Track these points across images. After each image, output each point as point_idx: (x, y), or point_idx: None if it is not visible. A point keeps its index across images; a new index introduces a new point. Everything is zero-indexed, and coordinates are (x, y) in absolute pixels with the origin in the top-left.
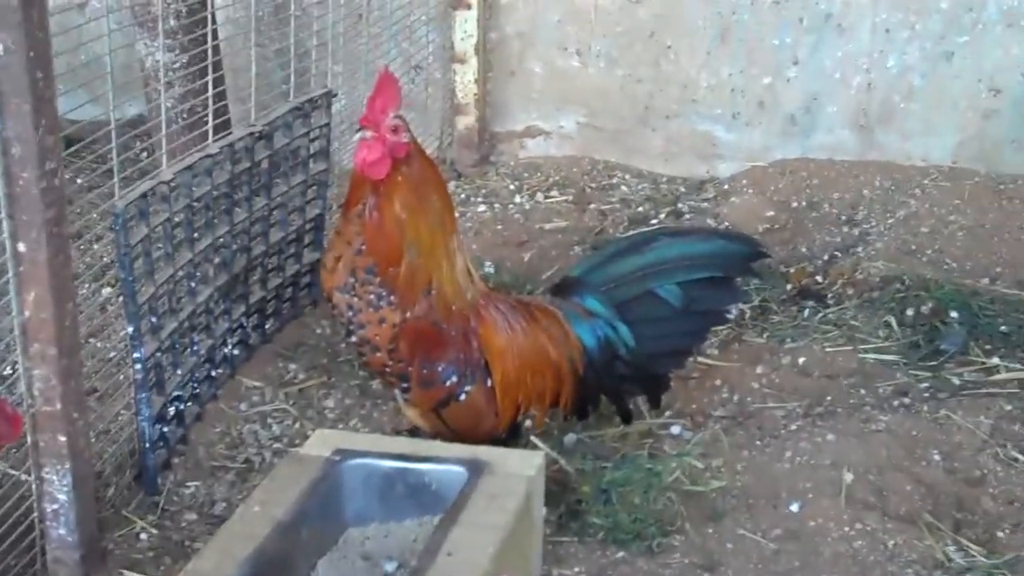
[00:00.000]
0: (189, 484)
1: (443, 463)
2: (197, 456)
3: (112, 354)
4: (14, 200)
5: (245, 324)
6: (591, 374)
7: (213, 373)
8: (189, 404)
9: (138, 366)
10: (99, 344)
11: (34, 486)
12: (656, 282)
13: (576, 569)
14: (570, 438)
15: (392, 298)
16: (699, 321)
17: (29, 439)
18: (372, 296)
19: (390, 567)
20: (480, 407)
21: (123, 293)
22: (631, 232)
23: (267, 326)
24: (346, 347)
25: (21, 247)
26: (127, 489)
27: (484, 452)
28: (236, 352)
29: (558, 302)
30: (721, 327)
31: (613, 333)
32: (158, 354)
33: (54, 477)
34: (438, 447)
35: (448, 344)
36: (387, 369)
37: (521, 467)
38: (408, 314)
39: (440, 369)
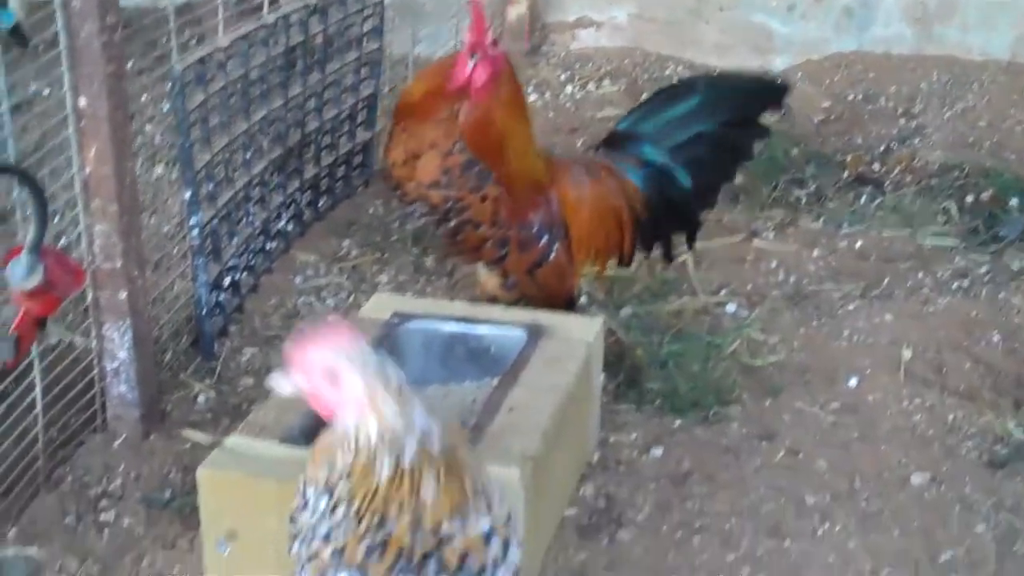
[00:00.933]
0: (245, 351)
1: (503, 326)
2: (253, 325)
3: (166, 228)
4: (75, 53)
5: (299, 199)
6: (647, 219)
7: (267, 246)
8: (244, 275)
9: (195, 231)
10: (153, 220)
11: (95, 344)
12: (701, 125)
13: (633, 435)
14: (626, 312)
15: (493, 177)
16: (734, 158)
17: (90, 296)
18: (473, 181)
19: None
20: (564, 264)
21: (180, 159)
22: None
23: (320, 203)
24: (399, 226)
25: (82, 101)
26: (184, 355)
27: (544, 317)
28: (290, 228)
29: (612, 155)
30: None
31: (666, 177)
32: (214, 221)
33: (115, 335)
34: (497, 312)
35: (539, 206)
36: (487, 242)
37: (581, 332)
38: (506, 189)
39: (535, 230)
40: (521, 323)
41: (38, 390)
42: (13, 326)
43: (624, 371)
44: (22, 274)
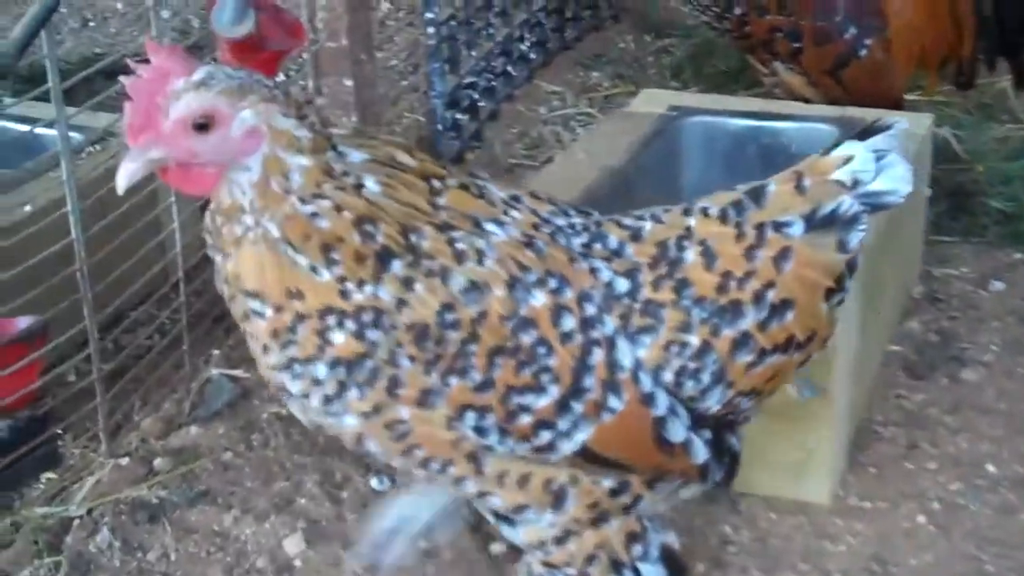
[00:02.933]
0: None
1: (806, 121)
2: (493, 152)
3: (393, 62)
4: None
5: (543, 21)
6: (994, 23)
7: (509, 69)
8: (483, 99)
9: (431, 29)
10: (380, 54)
11: None
12: None
13: (963, 269)
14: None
15: None
16: None
17: (310, 83)
18: None
19: None
20: (880, 63)
21: None
22: None
23: (566, 32)
24: (654, 60)
25: None
26: None
27: (857, 111)
28: (533, 55)
29: None
30: None
31: None
32: (452, 23)
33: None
34: (796, 106)
35: None
36: (777, 32)
37: (909, 126)
38: None
39: (838, 19)
40: (830, 117)
41: None
42: None
43: (952, 192)
44: (229, 19)
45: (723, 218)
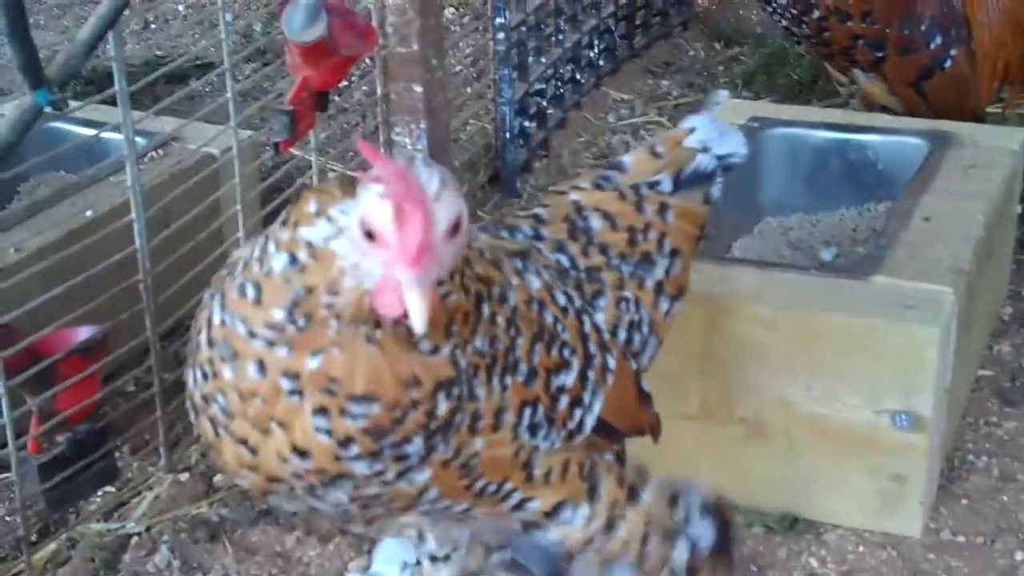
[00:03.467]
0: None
1: (895, 135)
2: (561, 162)
3: (459, 68)
4: None
5: (612, 28)
6: None
7: (578, 76)
8: (551, 106)
9: (500, 35)
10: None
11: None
12: None
13: None
14: None
15: None
16: None
17: (379, 90)
18: None
19: (827, 254)
20: (964, 75)
21: None
22: None
23: (635, 40)
24: (724, 69)
25: None
26: (481, 189)
27: (948, 124)
28: (602, 62)
29: None
30: None
31: None
32: (522, 29)
33: (406, 140)
34: (883, 119)
35: None
36: (858, 39)
37: (1001, 140)
38: None
39: (923, 28)
40: (920, 131)
41: None
42: (289, 97)
43: None
44: (301, 23)
45: (599, 187)
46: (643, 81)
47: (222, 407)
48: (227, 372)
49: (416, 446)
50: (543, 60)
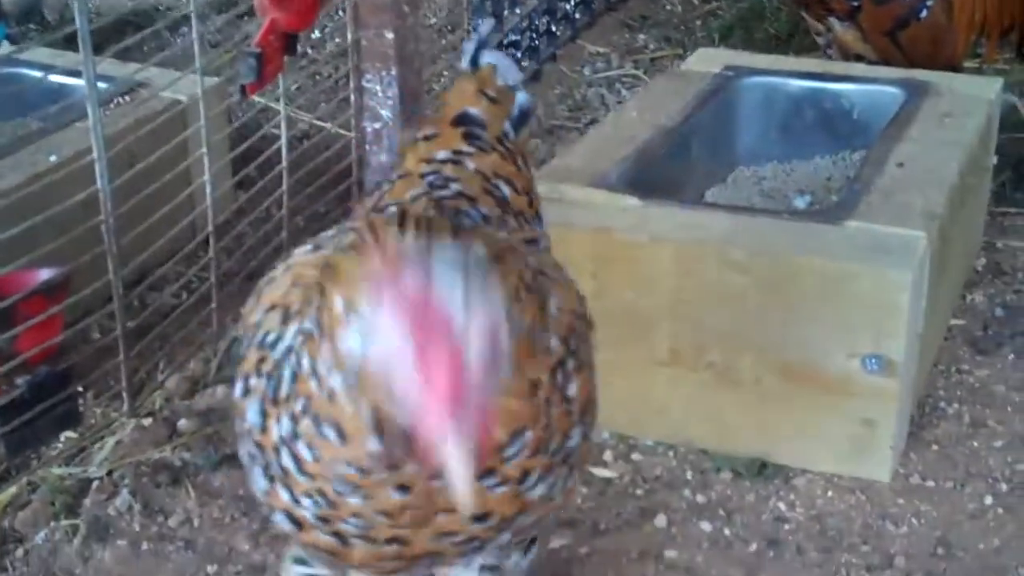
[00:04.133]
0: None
1: (871, 83)
2: (535, 114)
3: (433, 20)
4: None
5: None
6: None
7: (553, 28)
8: (526, 58)
9: None
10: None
11: (352, 99)
12: None
13: None
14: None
15: None
16: None
17: (349, 37)
18: None
19: (801, 202)
20: (940, 26)
21: None
22: None
23: None
24: (702, 23)
25: None
26: None
27: (924, 74)
28: (578, 15)
29: None
30: None
31: None
32: None
33: (377, 87)
34: (859, 68)
35: None
36: None
37: (977, 90)
38: None
39: None
40: (896, 80)
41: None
42: (256, 39)
43: (1015, 164)
44: None
45: (482, 149)
46: (619, 34)
47: (358, 526)
48: (354, 500)
49: (573, 437)
50: (518, 12)
